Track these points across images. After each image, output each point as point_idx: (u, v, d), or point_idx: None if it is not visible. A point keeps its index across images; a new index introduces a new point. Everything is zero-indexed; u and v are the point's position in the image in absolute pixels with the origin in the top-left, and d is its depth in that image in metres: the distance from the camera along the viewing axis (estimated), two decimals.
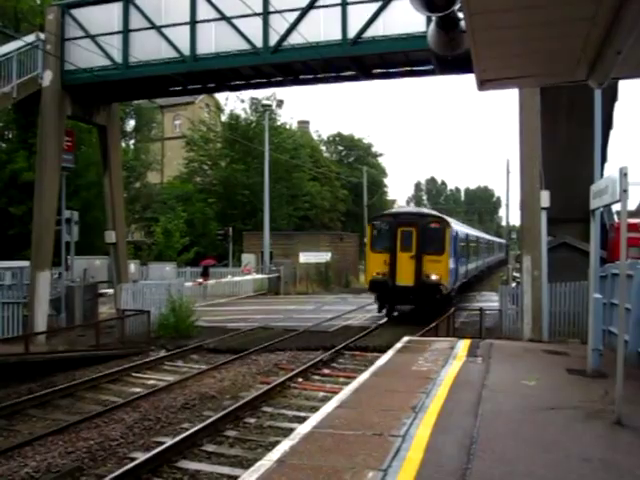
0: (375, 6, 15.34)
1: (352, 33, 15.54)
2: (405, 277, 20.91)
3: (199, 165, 51.94)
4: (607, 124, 17.59)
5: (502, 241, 66.63)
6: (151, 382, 13.88)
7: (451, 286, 22.43)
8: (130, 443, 9.40)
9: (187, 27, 16.99)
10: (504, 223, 69.22)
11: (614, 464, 5.70)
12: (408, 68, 17.42)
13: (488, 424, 6.73)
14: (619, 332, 7.52)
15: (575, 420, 7.09)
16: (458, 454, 5.73)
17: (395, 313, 22.45)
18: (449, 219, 25.08)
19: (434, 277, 20.66)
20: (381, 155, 78.89)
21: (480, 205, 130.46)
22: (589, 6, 4.84)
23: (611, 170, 8.56)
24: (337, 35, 15.69)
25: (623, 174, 6.92)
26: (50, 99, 18.59)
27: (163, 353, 17.10)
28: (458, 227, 27.43)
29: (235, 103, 64.61)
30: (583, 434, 6.64)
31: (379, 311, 22.46)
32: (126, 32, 17.68)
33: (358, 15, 15.48)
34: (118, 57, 17.71)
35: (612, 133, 19.80)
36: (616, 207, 12.10)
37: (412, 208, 30.61)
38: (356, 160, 71.02)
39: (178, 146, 56.56)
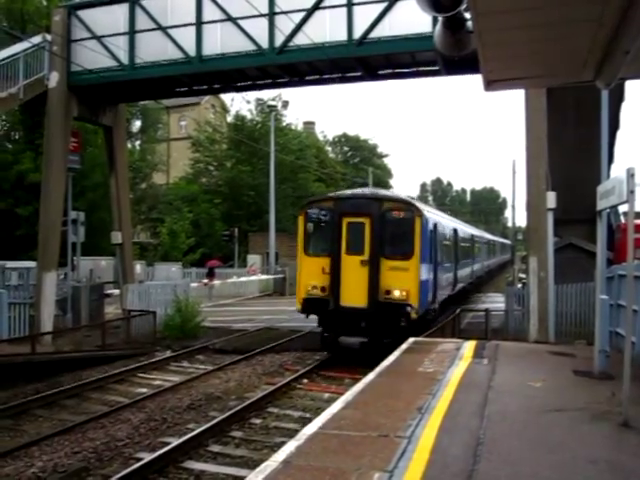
0: (381, 6, 15.33)
1: (358, 34, 15.53)
2: (354, 294, 14.67)
3: (205, 166, 52.04)
4: (614, 124, 17.54)
5: (506, 242, 66.37)
6: (157, 382, 13.91)
7: (425, 306, 15.89)
8: (136, 443, 9.42)
9: (193, 28, 17.03)
10: (510, 224, 69.04)
11: (620, 466, 5.67)
12: (414, 69, 17.40)
13: (494, 425, 6.71)
14: (626, 333, 7.50)
15: (581, 422, 7.06)
16: (464, 455, 5.72)
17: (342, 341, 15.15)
18: (422, 205, 18.12)
19: (398, 294, 14.54)
20: (387, 156, 79.30)
21: (486, 206, 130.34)
22: (596, 6, 4.82)
23: (618, 171, 8.54)
24: (343, 36, 15.69)
25: (630, 175, 6.90)
26: (56, 100, 18.66)
27: (169, 353, 17.13)
28: (438, 218, 20.11)
29: (241, 104, 64.95)
30: (589, 436, 6.61)
31: (322, 345, 15.85)
32: (132, 33, 17.74)
33: (364, 15, 15.47)
34: (124, 58, 17.76)
35: (619, 134, 19.76)
36: (623, 208, 12.05)
37: (364, 190, 20.85)
38: (362, 161, 71.18)
39: (184, 147, 56.67)
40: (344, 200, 15.82)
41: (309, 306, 15.38)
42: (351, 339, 14.78)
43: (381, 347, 13.63)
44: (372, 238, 14.79)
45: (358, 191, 18.03)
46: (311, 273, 15.31)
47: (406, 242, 14.98)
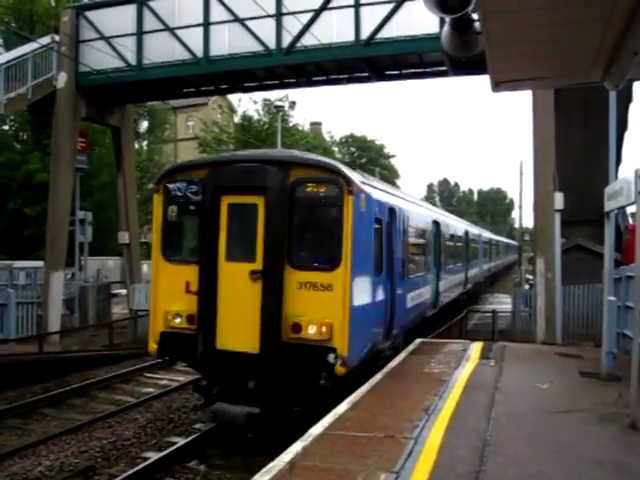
0: (388, 7, 15.34)
1: (365, 34, 15.54)
2: (238, 330, 8.74)
3: None
4: (622, 125, 17.46)
5: (512, 242, 66.03)
6: (164, 382, 13.95)
7: (365, 349, 9.31)
8: (143, 443, 9.47)
9: (200, 29, 17.08)
10: (517, 225, 68.80)
11: (627, 467, 5.66)
12: (421, 69, 17.40)
13: (501, 427, 6.70)
14: (634, 335, 7.46)
15: (588, 423, 7.03)
16: (471, 456, 5.71)
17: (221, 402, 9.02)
18: (359, 175, 10.30)
19: (314, 330, 8.44)
20: (394, 156, 78.89)
21: (493, 207, 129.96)
22: (604, 7, 4.80)
23: (625, 172, 8.52)
24: (350, 36, 15.70)
25: (638, 176, 6.88)
26: (64, 100, 18.74)
27: None
28: (399, 202, 12.33)
29: (248, 104, 64.75)
30: (596, 437, 6.59)
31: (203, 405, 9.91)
32: (140, 34, 17.80)
33: (371, 16, 15.49)
34: (132, 59, 17.82)
35: (627, 135, 19.67)
36: (630, 209, 12.00)
37: (261, 150, 12.78)
38: (369, 161, 71.07)
39: (191, 147, 56.67)
40: (224, 166, 9.43)
41: (169, 346, 9.29)
42: (233, 408, 8.59)
43: (286, 419, 8.78)
44: (270, 232, 8.67)
45: (249, 152, 11.34)
46: (172, 291, 9.27)
47: (328, 239, 8.84)
